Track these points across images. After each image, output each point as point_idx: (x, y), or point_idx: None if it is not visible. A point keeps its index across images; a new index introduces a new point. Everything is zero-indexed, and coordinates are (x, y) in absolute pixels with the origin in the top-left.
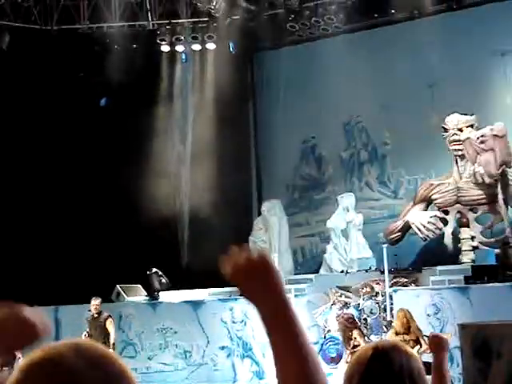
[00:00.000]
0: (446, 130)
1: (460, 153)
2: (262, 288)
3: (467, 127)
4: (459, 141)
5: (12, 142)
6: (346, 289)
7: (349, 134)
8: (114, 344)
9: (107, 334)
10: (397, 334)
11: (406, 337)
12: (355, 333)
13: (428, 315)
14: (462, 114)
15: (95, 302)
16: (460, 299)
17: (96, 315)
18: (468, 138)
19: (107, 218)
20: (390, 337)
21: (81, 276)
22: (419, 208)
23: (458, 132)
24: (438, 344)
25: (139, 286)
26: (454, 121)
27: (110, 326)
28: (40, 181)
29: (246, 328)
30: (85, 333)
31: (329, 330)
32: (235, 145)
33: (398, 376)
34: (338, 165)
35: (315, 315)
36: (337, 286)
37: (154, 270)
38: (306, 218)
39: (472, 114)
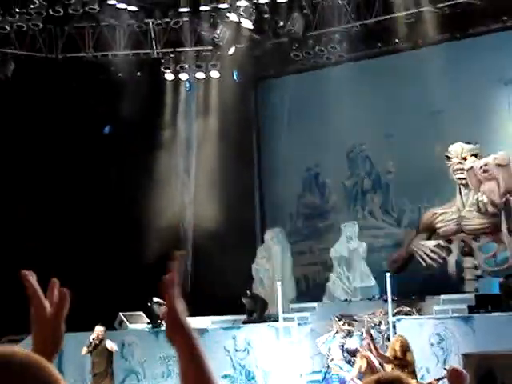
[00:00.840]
0: (449, 159)
1: (464, 181)
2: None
3: (471, 156)
4: (463, 169)
5: (16, 168)
6: (349, 317)
7: (352, 163)
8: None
9: (110, 354)
10: (395, 358)
11: (403, 362)
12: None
13: (432, 344)
14: (465, 143)
15: (99, 328)
16: (463, 328)
17: (97, 342)
18: (471, 168)
19: (111, 247)
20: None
21: (83, 304)
22: (423, 237)
23: (462, 161)
24: (457, 377)
25: (142, 313)
26: (457, 149)
27: (109, 342)
28: (45, 209)
29: (249, 356)
30: (84, 349)
31: (332, 359)
32: (239, 173)
33: None
34: (341, 193)
35: (318, 344)
36: (340, 315)
37: (155, 299)
38: (309, 247)
39: (476, 143)
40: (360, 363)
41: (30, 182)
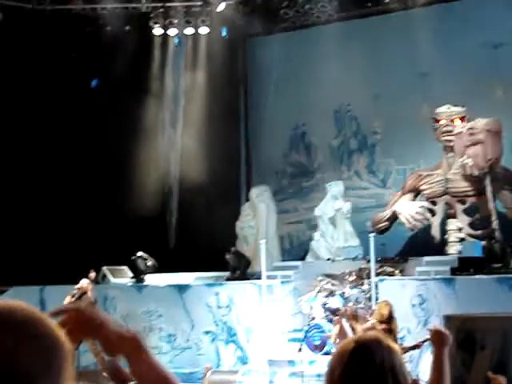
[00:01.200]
0: (436, 121)
1: (451, 144)
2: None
3: (459, 119)
4: (450, 132)
5: (1, 122)
6: (331, 277)
7: (339, 122)
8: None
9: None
10: (381, 322)
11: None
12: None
13: (413, 305)
14: (453, 106)
15: (85, 281)
16: (445, 290)
17: (81, 294)
18: (460, 132)
19: (95, 200)
20: (373, 324)
21: (67, 257)
22: (407, 198)
23: (450, 123)
24: (440, 338)
25: (125, 267)
26: (445, 112)
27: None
28: (30, 160)
29: (231, 313)
30: (67, 298)
31: (313, 318)
32: (226, 130)
33: (379, 370)
34: (327, 152)
35: (300, 302)
36: (323, 274)
37: (140, 253)
38: (294, 205)
39: (463, 106)
40: (335, 330)
41: (15, 133)
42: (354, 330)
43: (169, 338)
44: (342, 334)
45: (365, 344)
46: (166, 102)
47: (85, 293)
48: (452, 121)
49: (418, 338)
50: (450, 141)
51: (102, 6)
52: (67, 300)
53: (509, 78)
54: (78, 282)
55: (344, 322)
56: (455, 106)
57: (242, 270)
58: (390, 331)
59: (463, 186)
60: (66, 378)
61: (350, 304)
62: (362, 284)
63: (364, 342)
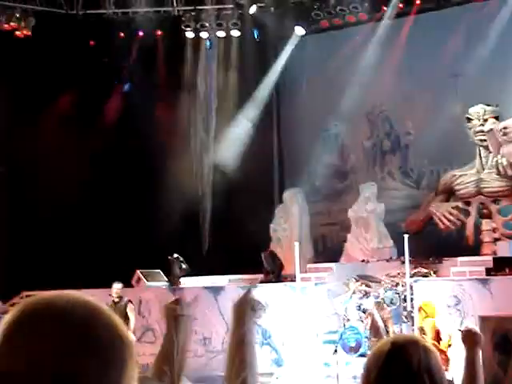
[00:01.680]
0: (469, 121)
1: (484, 143)
2: None
3: (492, 118)
4: (483, 131)
5: (35, 126)
6: (366, 278)
7: (372, 123)
8: (133, 330)
9: (127, 319)
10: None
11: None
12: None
13: (448, 306)
14: (486, 105)
15: (117, 286)
16: (481, 291)
17: (117, 300)
18: (491, 129)
19: (130, 204)
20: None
21: (102, 260)
22: (441, 199)
23: (483, 122)
24: (471, 339)
25: (160, 271)
26: (478, 111)
27: (131, 311)
28: (65, 165)
29: (266, 316)
30: None
31: (348, 319)
32: (258, 132)
33: (416, 371)
34: (360, 154)
35: (335, 304)
36: (357, 275)
37: (176, 255)
38: (327, 207)
39: (497, 105)
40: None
41: (47, 138)
42: (385, 322)
43: (204, 341)
44: (373, 326)
45: (401, 345)
46: (199, 105)
47: (121, 297)
48: (485, 120)
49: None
50: (484, 140)
51: (133, 10)
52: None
53: None
54: (111, 286)
55: (375, 313)
56: (488, 105)
57: (276, 271)
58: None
59: (497, 185)
60: (130, 375)
61: (385, 306)
62: (397, 285)
63: (400, 342)
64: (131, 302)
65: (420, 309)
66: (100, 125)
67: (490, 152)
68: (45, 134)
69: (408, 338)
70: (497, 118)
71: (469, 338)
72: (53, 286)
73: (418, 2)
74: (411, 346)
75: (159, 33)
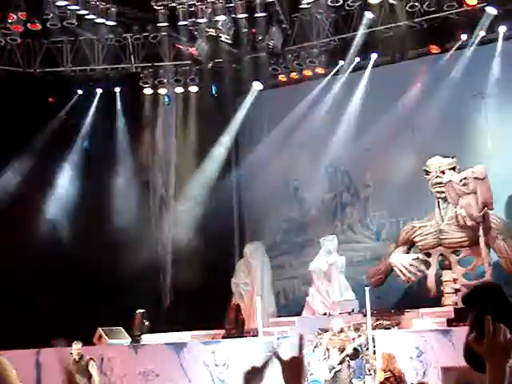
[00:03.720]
0: (427, 173)
1: (443, 195)
2: None
3: (449, 169)
4: (441, 183)
5: None
6: (328, 331)
7: (331, 177)
8: None
9: (90, 377)
10: (384, 371)
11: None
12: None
13: (411, 358)
14: (443, 157)
15: (77, 346)
16: (442, 341)
17: (78, 359)
18: (450, 181)
19: (90, 262)
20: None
21: (63, 319)
22: (401, 250)
23: (441, 174)
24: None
25: (121, 328)
26: (435, 163)
27: (93, 369)
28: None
29: (229, 371)
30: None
31: (311, 374)
32: (218, 187)
33: None
34: (320, 207)
35: None
36: (319, 329)
37: (142, 310)
38: (288, 261)
39: (453, 157)
40: None
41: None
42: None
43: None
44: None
45: None
46: (158, 162)
47: (81, 356)
48: (442, 172)
49: None
50: (442, 192)
51: (91, 67)
52: (71, 364)
53: (496, 127)
54: (71, 345)
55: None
56: (445, 157)
57: (239, 327)
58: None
59: (457, 236)
60: None
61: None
62: (360, 337)
63: None
64: (93, 360)
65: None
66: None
67: (449, 203)
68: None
69: None
70: (454, 168)
71: None
72: (13, 347)
73: (374, 55)
74: None
75: (118, 89)
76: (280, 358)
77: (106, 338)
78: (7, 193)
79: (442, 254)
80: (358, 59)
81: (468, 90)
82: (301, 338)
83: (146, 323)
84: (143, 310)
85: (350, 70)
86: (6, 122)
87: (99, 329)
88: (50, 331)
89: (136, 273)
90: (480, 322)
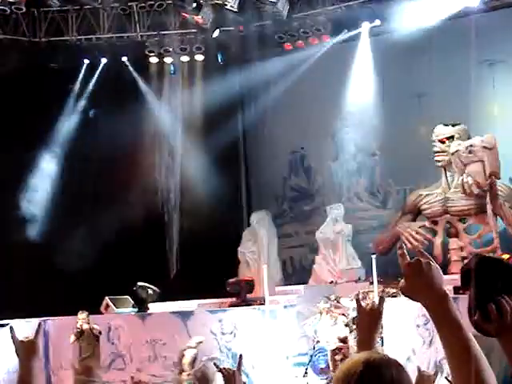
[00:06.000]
0: (435, 141)
1: (440, 164)
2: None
3: (447, 139)
4: (439, 152)
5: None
6: (335, 299)
7: (337, 145)
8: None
9: (96, 345)
10: None
11: None
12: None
13: (417, 326)
14: (445, 125)
15: (81, 315)
16: None
17: (82, 329)
18: (457, 151)
19: (96, 230)
20: None
21: (69, 288)
22: (408, 218)
23: (439, 143)
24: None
25: (128, 297)
26: (435, 132)
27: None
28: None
29: (236, 339)
30: (73, 338)
31: (318, 341)
32: (224, 156)
33: None
34: (326, 175)
35: (304, 326)
36: (325, 297)
37: (140, 284)
38: (295, 229)
39: (457, 124)
40: None
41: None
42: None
43: (174, 366)
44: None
45: (374, 363)
46: (164, 131)
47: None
48: (441, 141)
49: (423, 358)
50: (440, 161)
51: (97, 36)
52: (72, 339)
53: (503, 95)
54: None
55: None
56: (453, 125)
57: (243, 295)
58: None
59: (464, 204)
60: None
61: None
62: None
63: (373, 360)
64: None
65: None
66: (65, 150)
67: (456, 171)
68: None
69: (381, 357)
70: (452, 137)
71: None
72: (18, 316)
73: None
74: (384, 364)
75: (125, 58)
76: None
77: (113, 306)
78: None
79: (448, 222)
80: (365, 25)
81: (475, 58)
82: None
83: (150, 292)
84: (141, 284)
85: (355, 37)
86: (12, 91)
87: (106, 298)
88: (58, 300)
89: (143, 241)
90: (481, 301)
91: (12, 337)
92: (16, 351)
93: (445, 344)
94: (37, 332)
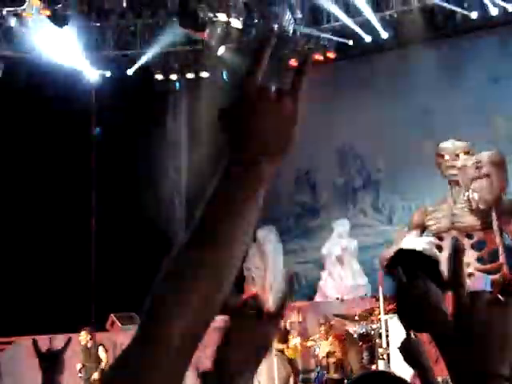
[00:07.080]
0: (441, 157)
1: (456, 178)
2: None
3: (464, 153)
4: (455, 167)
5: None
6: (341, 316)
7: (342, 161)
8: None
9: (100, 362)
10: None
11: None
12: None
13: (423, 342)
14: (457, 140)
15: (84, 334)
16: None
17: (89, 345)
18: (465, 166)
19: (103, 247)
20: None
21: (76, 305)
22: (414, 234)
23: (455, 157)
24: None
25: (134, 314)
26: (450, 147)
27: (103, 352)
28: (37, 209)
29: None
30: (79, 364)
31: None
32: None
33: None
34: (332, 191)
35: (310, 343)
36: (333, 314)
37: None
38: (300, 245)
39: (466, 141)
40: None
41: (16, 183)
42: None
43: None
44: None
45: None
46: (169, 147)
47: (91, 340)
48: (457, 155)
49: None
50: (455, 175)
51: (102, 53)
52: (79, 367)
53: (510, 111)
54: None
55: None
56: (459, 140)
57: None
58: None
59: (470, 220)
60: None
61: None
62: (372, 322)
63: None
64: (102, 345)
65: None
66: (70, 169)
67: (461, 187)
68: (12, 175)
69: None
70: (468, 152)
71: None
72: (25, 333)
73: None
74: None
75: (128, 75)
76: None
77: (119, 323)
78: None
79: (454, 238)
80: (368, 40)
81: (480, 75)
82: None
83: None
84: None
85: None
86: (16, 108)
87: (112, 315)
88: (64, 317)
89: (149, 258)
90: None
91: (36, 350)
92: (40, 365)
93: None
94: (65, 345)
